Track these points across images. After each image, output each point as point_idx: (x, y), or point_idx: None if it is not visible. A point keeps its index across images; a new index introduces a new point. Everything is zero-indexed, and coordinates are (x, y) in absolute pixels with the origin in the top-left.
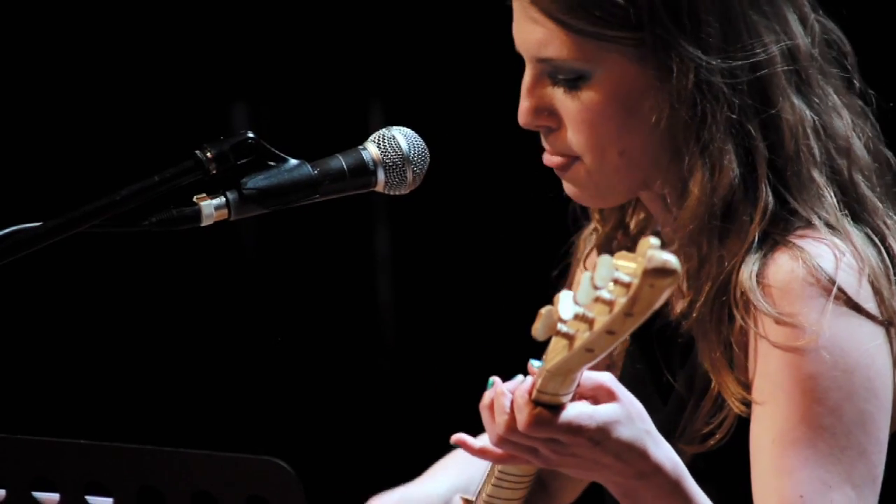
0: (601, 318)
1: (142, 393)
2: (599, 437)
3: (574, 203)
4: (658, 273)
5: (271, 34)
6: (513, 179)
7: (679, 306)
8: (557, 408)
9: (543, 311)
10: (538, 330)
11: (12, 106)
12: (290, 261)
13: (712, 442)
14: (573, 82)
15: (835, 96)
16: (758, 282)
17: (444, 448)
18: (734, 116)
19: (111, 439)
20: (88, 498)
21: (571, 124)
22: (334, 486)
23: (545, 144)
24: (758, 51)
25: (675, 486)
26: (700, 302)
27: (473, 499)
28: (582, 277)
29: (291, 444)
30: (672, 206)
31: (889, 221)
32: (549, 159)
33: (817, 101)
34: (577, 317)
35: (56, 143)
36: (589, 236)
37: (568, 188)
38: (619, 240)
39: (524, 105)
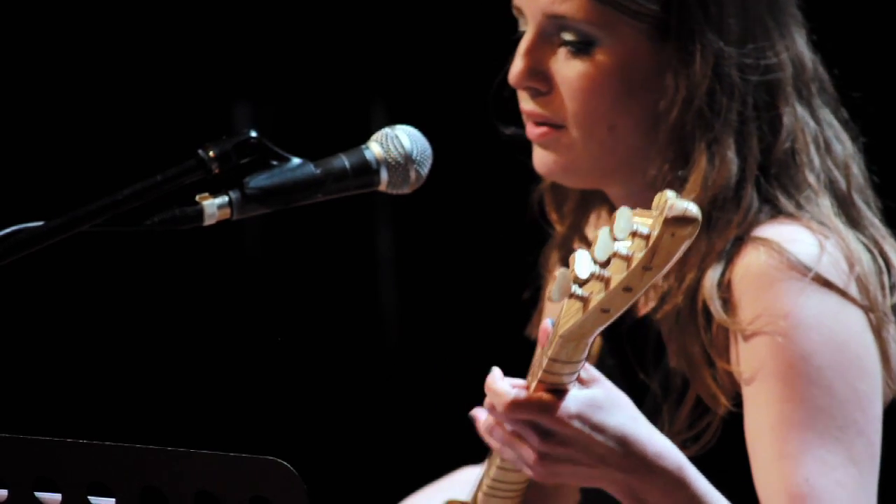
0: (618, 276)
1: (144, 393)
2: (583, 419)
3: (533, 202)
4: (679, 221)
5: (274, 33)
6: (516, 179)
7: (649, 305)
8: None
9: (559, 272)
10: (553, 292)
11: (13, 106)
12: (293, 260)
13: (697, 447)
14: (579, 46)
15: (833, 119)
16: (726, 286)
17: (445, 448)
18: (743, 113)
19: (114, 439)
20: (91, 498)
21: (567, 90)
22: (337, 486)
23: (530, 106)
24: (769, 54)
25: (680, 480)
26: (678, 297)
27: None
28: (599, 233)
29: (294, 445)
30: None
31: (885, 235)
32: (532, 130)
33: (819, 117)
34: (593, 276)
35: (58, 142)
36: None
37: (542, 161)
38: (577, 244)
39: (520, 65)
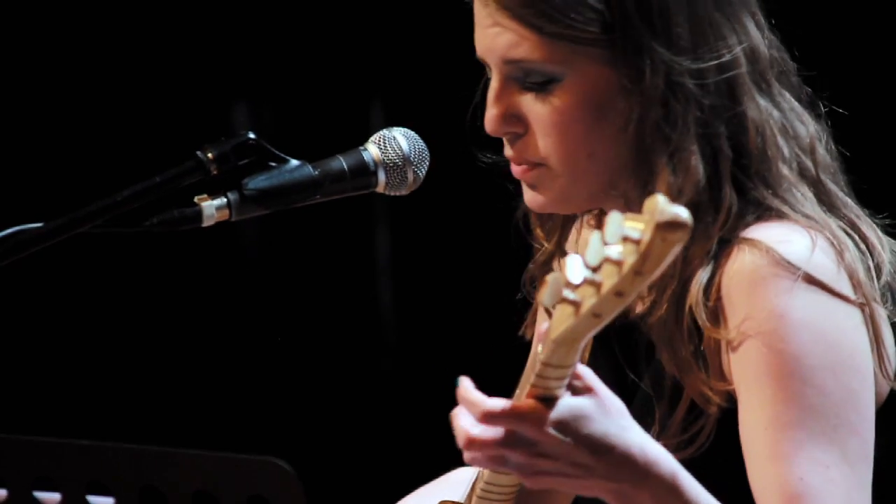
0: (609, 281)
1: (143, 393)
2: (564, 429)
3: (517, 219)
4: (670, 226)
5: (272, 34)
6: (514, 180)
7: (640, 307)
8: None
9: (550, 277)
10: (545, 297)
11: (12, 106)
12: (291, 261)
13: (692, 449)
14: (543, 86)
15: (794, 102)
16: (715, 290)
17: (443, 448)
18: (702, 117)
19: (113, 439)
20: (90, 498)
21: (540, 129)
22: (335, 486)
23: (510, 152)
24: (723, 52)
25: (673, 487)
26: (662, 306)
27: None
28: (591, 237)
29: (292, 445)
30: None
31: (860, 214)
32: (515, 170)
33: (780, 103)
34: (585, 281)
35: (57, 143)
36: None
37: (530, 196)
38: (561, 260)
39: (492, 112)
